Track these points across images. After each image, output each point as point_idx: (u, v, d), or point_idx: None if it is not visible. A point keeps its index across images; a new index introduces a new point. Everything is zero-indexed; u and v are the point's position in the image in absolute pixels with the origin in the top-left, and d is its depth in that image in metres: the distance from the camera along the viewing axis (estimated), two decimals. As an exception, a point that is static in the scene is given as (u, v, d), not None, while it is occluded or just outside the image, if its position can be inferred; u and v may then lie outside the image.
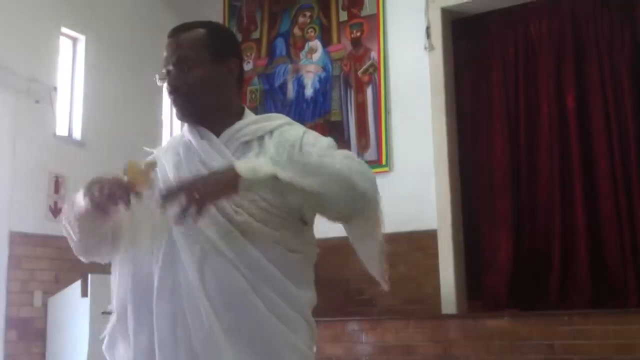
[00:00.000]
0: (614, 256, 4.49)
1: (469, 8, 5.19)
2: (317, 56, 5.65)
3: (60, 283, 4.84)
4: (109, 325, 1.74)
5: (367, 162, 5.29)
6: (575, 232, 4.64)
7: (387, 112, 5.25)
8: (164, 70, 1.71)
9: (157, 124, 5.98)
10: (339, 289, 4.89)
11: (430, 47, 5.14)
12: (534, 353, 3.85)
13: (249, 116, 1.74)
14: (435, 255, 4.85)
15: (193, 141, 1.68)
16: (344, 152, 1.64)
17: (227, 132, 1.68)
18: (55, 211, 5.00)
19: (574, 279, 4.59)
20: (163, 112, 5.97)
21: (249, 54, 5.92)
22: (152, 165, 1.65)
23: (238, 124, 1.69)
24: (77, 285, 4.65)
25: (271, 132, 1.68)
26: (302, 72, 5.69)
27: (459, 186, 5.08)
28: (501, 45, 5.12)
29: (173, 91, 1.68)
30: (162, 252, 1.61)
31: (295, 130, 1.69)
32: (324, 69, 5.60)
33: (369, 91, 5.36)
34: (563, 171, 4.75)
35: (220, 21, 6.08)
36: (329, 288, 4.95)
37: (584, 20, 4.85)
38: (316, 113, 5.55)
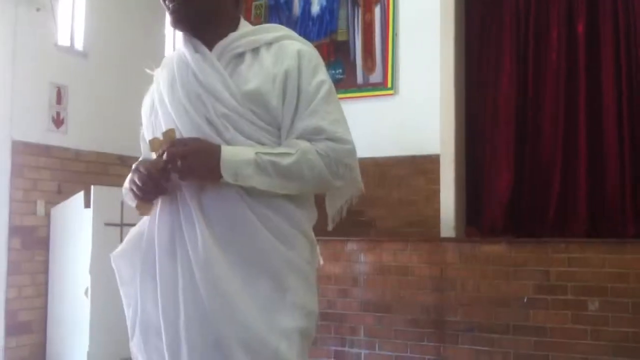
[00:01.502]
0: (613, 187, 4.51)
1: None
2: (324, -28, 5.48)
3: (62, 193, 4.88)
4: (122, 245, 1.76)
5: (372, 84, 5.26)
6: (577, 163, 4.64)
7: (395, 34, 5.14)
8: None
9: (159, 37, 5.87)
10: (339, 210, 4.92)
11: (440, -32, 4.98)
12: (528, 279, 3.93)
13: (245, 27, 1.70)
14: (436, 180, 4.86)
15: (187, 55, 1.64)
16: (339, 117, 1.64)
17: (220, 45, 1.64)
18: (58, 122, 4.99)
19: (572, 208, 4.62)
20: (166, 26, 5.85)
21: (255, -33, 5.75)
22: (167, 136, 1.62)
23: (231, 36, 1.65)
24: (79, 195, 4.69)
25: (269, 44, 1.65)
26: (309, -13, 5.54)
27: (463, 112, 5.04)
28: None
29: None
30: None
31: (296, 45, 1.65)
32: (332, -15, 5.44)
33: (377, 11, 5.23)
34: (568, 101, 4.70)
35: None
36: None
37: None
38: (322, 31, 5.43)
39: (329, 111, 1.61)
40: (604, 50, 4.63)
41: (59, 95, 5.00)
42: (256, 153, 1.53)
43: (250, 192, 1.55)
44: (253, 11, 5.73)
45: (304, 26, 5.50)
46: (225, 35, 1.65)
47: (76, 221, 4.68)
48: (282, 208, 1.59)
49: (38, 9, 4.82)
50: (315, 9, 5.49)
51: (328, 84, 1.64)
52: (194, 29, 1.65)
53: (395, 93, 5.10)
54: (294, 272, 1.60)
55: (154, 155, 1.61)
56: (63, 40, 5.13)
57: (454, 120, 4.88)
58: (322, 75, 1.65)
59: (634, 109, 4.51)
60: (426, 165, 4.91)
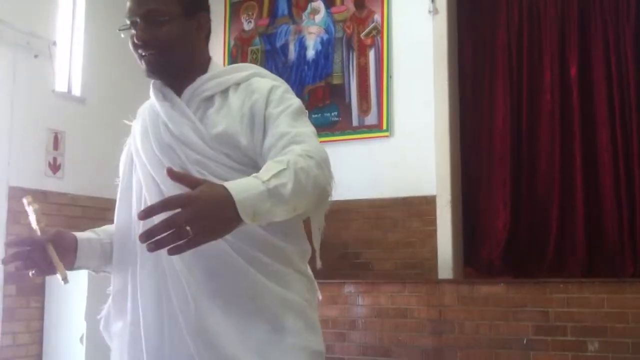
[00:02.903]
0: (611, 227, 4.51)
1: (476, -28, 5.12)
2: (319, 17, 5.58)
3: (58, 239, 4.86)
4: (105, 306, 1.71)
5: (367, 126, 5.30)
6: (574, 202, 4.65)
7: (389, 76, 5.21)
8: (127, 22, 1.62)
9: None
10: (336, 252, 4.92)
11: (434, 11, 5.07)
12: (528, 320, 3.90)
13: (214, 68, 1.66)
14: (432, 222, 4.86)
15: (156, 104, 1.62)
16: (308, 131, 1.53)
17: (189, 89, 1.60)
18: (54, 167, 5.00)
19: (570, 247, 4.62)
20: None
21: (250, 13, 5.85)
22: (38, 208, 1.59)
23: (199, 80, 1.61)
24: (75, 241, 4.67)
25: (237, 84, 1.61)
26: (304, 33, 5.63)
27: (458, 153, 5.07)
28: (506, 12, 5.06)
29: (142, 46, 1.59)
30: (142, 226, 1.49)
31: (264, 82, 1.60)
32: (327, 30, 5.53)
33: (372, 54, 5.31)
34: (563, 141, 4.74)
35: (221, -21, 5.99)
36: (326, 251, 4.97)
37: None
38: (317, 75, 5.50)
39: (295, 125, 1.52)
40: (597, 92, 4.69)
41: (56, 141, 5.03)
42: (261, 181, 1.33)
43: (235, 234, 1.37)
44: (249, 56, 5.81)
45: (300, 70, 5.57)
46: (194, 78, 1.62)
47: (72, 266, 4.65)
48: (270, 246, 1.51)
49: (36, 56, 4.89)
50: (310, 53, 5.57)
51: (297, 104, 1.57)
52: (168, 78, 1.63)
53: (391, 135, 5.14)
54: (292, 311, 1.52)
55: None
56: (60, 86, 5.19)
57: (449, 160, 4.91)
58: (291, 99, 1.58)
59: (628, 149, 4.55)
60: (422, 207, 4.92)
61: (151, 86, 1.67)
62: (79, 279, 4.53)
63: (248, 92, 1.58)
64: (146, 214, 1.22)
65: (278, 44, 5.73)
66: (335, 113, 5.35)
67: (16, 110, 4.75)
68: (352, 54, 5.39)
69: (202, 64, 1.66)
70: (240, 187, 1.31)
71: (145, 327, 1.53)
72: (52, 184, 4.96)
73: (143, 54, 1.60)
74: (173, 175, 1.28)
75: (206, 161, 1.52)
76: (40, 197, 4.85)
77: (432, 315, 4.16)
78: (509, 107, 4.95)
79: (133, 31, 1.62)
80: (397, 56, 5.23)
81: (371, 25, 5.34)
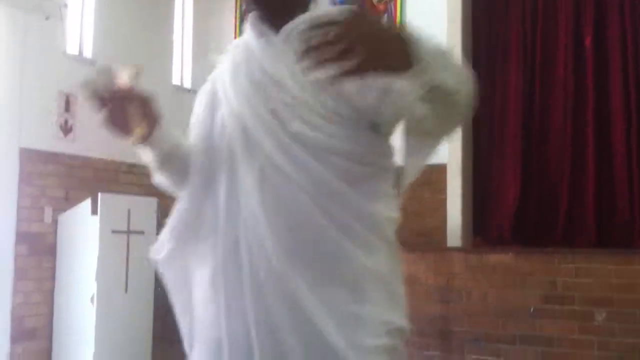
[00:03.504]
0: (621, 197, 4.50)
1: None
2: (333, -19, 5.50)
3: (70, 200, 4.89)
4: (169, 244, 1.54)
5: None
6: (585, 173, 4.63)
7: (402, 43, 5.14)
8: None
9: (168, 44, 5.90)
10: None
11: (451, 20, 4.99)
12: (535, 288, 3.91)
13: (317, 7, 1.50)
14: (442, 190, 4.86)
15: (252, 40, 1.49)
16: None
17: (287, 27, 1.45)
18: (66, 129, 5.01)
19: (580, 219, 4.61)
20: (174, 32, 5.89)
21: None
22: (135, 68, 1.42)
23: (299, 18, 1.45)
24: (87, 203, 4.71)
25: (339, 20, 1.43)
26: (317, -3, 5.55)
27: (470, 121, 5.03)
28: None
29: None
30: (225, 173, 1.44)
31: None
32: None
33: (384, 20, 5.24)
34: (576, 111, 4.70)
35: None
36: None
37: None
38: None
39: None
40: (612, 63, 4.63)
41: (68, 103, 5.03)
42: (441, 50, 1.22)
43: (319, 189, 1.35)
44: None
45: (312, 35, 5.52)
46: (294, 17, 1.45)
47: (83, 228, 4.69)
48: (357, 209, 1.39)
49: (47, 18, 4.86)
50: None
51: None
52: (273, 6, 1.48)
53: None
54: (375, 281, 1.41)
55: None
56: (72, 49, 5.16)
57: (461, 130, 4.88)
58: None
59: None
60: (432, 176, 4.90)
61: (249, 19, 1.52)
62: (90, 241, 4.58)
63: None
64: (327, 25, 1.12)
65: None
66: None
67: (27, 73, 4.74)
68: (365, 19, 5.32)
69: (304, 1, 1.50)
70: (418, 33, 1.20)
71: (226, 276, 1.42)
72: (63, 146, 4.97)
73: None
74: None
75: (299, 106, 1.39)
76: (52, 158, 4.87)
77: (441, 283, 4.18)
78: (522, 76, 4.90)
79: None
80: (410, 23, 5.15)
81: (385, -8, 5.27)
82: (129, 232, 4.64)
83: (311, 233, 1.37)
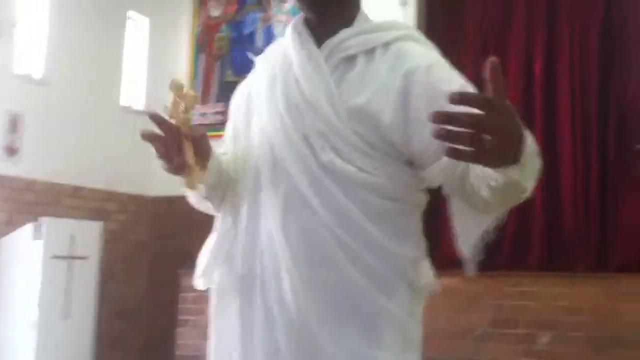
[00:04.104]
0: (567, 221, 4.58)
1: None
2: (289, 5, 5.53)
3: (12, 224, 4.76)
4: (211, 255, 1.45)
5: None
6: (533, 196, 4.71)
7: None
8: None
9: (118, 65, 5.82)
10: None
11: (404, 2, 5.09)
12: (483, 312, 3.95)
13: (363, 23, 1.42)
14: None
15: (292, 51, 1.40)
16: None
17: (329, 43, 1.37)
18: (11, 150, 4.89)
19: (526, 242, 4.68)
20: (124, 56, 5.83)
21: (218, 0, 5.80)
22: (195, 100, 1.34)
23: (344, 33, 1.38)
24: (29, 227, 4.59)
25: (386, 44, 1.37)
26: (273, 21, 5.59)
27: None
28: (473, 8, 5.10)
29: None
30: (248, 192, 1.38)
31: (420, 48, 1.38)
32: (295, 19, 5.50)
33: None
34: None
35: (190, -34, 5.91)
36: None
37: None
38: (284, 64, 5.47)
39: None
40: (560, 90, 4.74)
41: (14, 124, 4.91)
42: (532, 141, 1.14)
43: (343, 226, 1.29)
44: (215, 44, 5.75)
45: (266, 59, 5.53)
46: (338, 30, 1.39)
47: (25, 253, 4.57)
48: (379, 248, 1.32)
49: (-4, 37, 4.77)
50: (278, 42, 5.53)
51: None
52: (324, 16, 1.40)
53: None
54: (391, 325, 1.33)
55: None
56: (21, 69, 5.07)
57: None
58: (459, 81, 1.35)
59: (587, 145, 4.62)
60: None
61: (291, 25, 1.44)
62: (32, 266, 4.46)
63: (399, 56, 1.35)
64: (460, 97, 1.00)
65: (245, 32, 5.68)
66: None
67: (-27, 91, 4.63)
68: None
69: (352, 13, 1.43)
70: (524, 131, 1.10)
71: (242, 302, 1.37)
72: (7, 168, 4.85)
73: None
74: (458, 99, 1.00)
75: (332, 135, 1.31)
76: (-5, 180, 4.75)
77: (390, 307, 4.19)
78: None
79: None
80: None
81: (340, 16, 5.33)
82: (71, 257, 4.54)
83: (330, 270, 1.31)
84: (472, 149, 1.01)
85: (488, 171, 1.14)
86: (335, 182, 1.31)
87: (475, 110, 1.01)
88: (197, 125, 1.37)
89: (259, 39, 5.59)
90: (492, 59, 1.01)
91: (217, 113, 5.53)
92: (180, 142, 1.30)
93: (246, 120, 1.45)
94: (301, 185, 1.32)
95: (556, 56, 4.78)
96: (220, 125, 5.70)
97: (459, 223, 1.42)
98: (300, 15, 1.45)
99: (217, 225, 1.46)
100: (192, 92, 1.34)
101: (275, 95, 1.39)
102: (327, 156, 1.31)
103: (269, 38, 5.53)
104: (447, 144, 1.01)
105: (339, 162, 1.31)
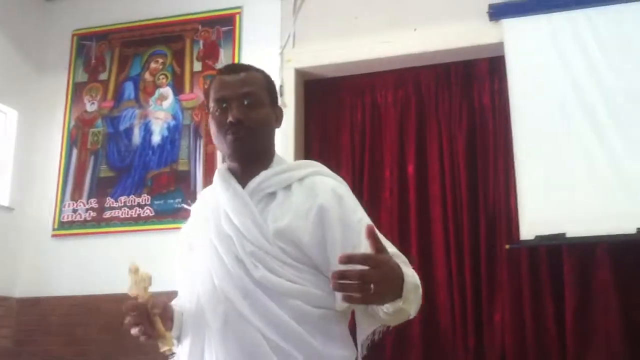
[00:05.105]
0: (444, 319, 4.66)
1: (322, 71, 5.33)
2: (167, 103, 5.50)
3: None
4: None
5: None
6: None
7: (236, 166, 5.18)
8: (215, 107, 1.67)
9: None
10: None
11: (282, 105, 5.18)
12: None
13: (278, 164, 1.73)
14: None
15: (221, 193, 1.67)
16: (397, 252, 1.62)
17: (252, 183, 1.66)
18: None
19: (407, 340, 4.69)
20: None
21: (94, 94, 5.66)
22: (149, 279, 1.59)
23: (263, 174, 1.67)
24: None
25: (301, 179, 1.68)
26: (151, 118, 5.51)
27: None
28: (350, 110, 5.29)
29: (236, 124, 1.64)
30: (192, 312, 1.60)
31: (328, 181, 1.69)
32: (174, 117, 5.46)
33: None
34: (401, 234, 4.91)
35: (67, 59, 5.80)
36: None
37: (427, 92, 5.14)
38: (162, 161, 5.36)
39: (389, 245, 1.59)
40: (431, 189, 4.94)
41: None
42: (414, 275, 1.54)
43: (276, 331, 1.50)
44: (90, 138, 5.56)
45: (144, 155, 5.40)
46: (259, 170, 1.68)
47: None
48: (312, 347, 1.53)
49: None
50: (156, 138, 5.44)
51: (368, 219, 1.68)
52: (248, 162, 1.68)
53: (235, 224, 5.05)
54: None
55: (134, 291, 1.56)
56: None
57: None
58: (361, 211, 1.69)
59: (459, 243, 4.78)
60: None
61: (217, 173, 1.73)
62: None
63: (313, 188, 1.66)
64: (347, 258, 1.31)
65: (122, 127, 5.55)
66: (180, 200, 5.20)
67: None
68: (200, 142, 5.33)
69: (270, 156, 1.74)
70: (406, 270, 1.47)
71: None
72: None
73: (238, 131, 1.65)
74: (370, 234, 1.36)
75: (261, 254, 1.55)
76: None
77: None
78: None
79: (219, 112, 1.66)
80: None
81: (219, 115, 5.34)
82: None
83: None
84: (359, 295, 1.30)
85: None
86: (267, 294, 1.52)
87: (360, 267, 1.30)
88: (150, 292, 1.60)
89: (136, 135, 5.48)
90: (368, 226, 1.37)
91: (89, 209, 5.28)
92: (150, 318, 1.53)
93: (188, 260, 1.70)
94: (236, 301, 1.53)
95: (426, 159, 4.99)
96: (91, 222, 5.47)
97: (358, 323, 1.67)
98: (224, 164, 1.76)
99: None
100: (147, 273, 1.58)
101: (209, 228, 1.64)
102: (259, 272, 1.54)
103: (147, 134, 5.43)
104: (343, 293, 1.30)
105: (270, 277, 1.54)
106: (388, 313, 1.47)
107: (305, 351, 1.52)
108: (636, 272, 4.37)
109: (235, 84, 1.68)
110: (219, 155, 5.24)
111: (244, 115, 1.65)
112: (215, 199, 1.69)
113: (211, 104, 1.71)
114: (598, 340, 4.31)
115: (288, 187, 1.66)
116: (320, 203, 1.61)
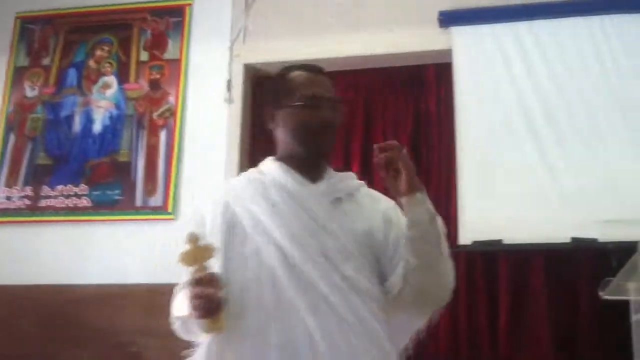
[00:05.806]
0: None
1: (272, 68, 5.28)
2: (111, 92, 5.38)
3: None
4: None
5: (152, 208, 5.09)
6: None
7: (179, 160, 5.11)
8: (304, 102, 1.72)
9: None
10: (109, 341, 4.55)
11: (230, 100, 5.14)
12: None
13: (332, 172, 1.87)
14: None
15: (290, 186, 1.73)
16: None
17: (323, 185, 1.78)
18: None
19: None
20: None
21: (35, 80, 5.49)
22: (212, 251, 1.57)
23: (334, 179, 1.82)
24: None
25: (357, 188, 1.85)
26: (93, 106, 5.38)
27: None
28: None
29: (330, 125, 1.76)
30: (268, 304, 1.62)
31: (379, 195, 1.87)
32: (117, 106, 5.34)
33: (163, 135, 5.19)
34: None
35: (8, 42, 5.62)
36: (97, 339, 4.59)
37: (374, 95, 5.19)
38: (103, 151, 5.24)
39: None
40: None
41: None
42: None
43: (362, 326, 1.60)
44: (29, 124, 5.39)
45: (84, 144, 5.27)
46: (321, 175, 1.80)
47: None
48: (384, 348, 1.65)
49: None
50: (97, 127, 5.31)
51: None
52: (318, 163, 1.81)
53: (176, 218, 4.99)
54: None
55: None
56: None
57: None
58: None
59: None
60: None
61: (277, 167, 1.80)
62: None
63: (371, 197, 1.85)
64: (384, 146, 1.60)
65: (62, 115, 5.40)
66: (118, 191, 5.09)
67: None
68: (142, 133, 5.23)
69: (327, 163, 1.90)
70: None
71: None
72: None
73: (325, 134, 1.77)
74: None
75: (347, 253, 1.66)
76: None
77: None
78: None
79: (309, 109, 1.72)
80: (190, 140, 5.16)
81: (165, 107, 5.25)
82: None
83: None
84: (398, 155, 1.59)
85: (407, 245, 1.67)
86: (354, 292, 1.62)
87: None
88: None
89: (77, 123, 5.34)
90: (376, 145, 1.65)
91: (24, 197, 5.11)
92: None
93: (238, 249, 1.70)
94: (330, 296, 1.59)
95: (371, 165, 5.01)
96: (26, 211, 5.31)
97: (394, 326, 1.76)
98: (274, 161, 1.86)
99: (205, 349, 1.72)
100: (210, 244, 1.58)
101: (286, 221, 1.67)
102: (349, 270, 1.64)
103: (88, 122, 5.30)
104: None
105: (357, 275, 1.64)
106: (415, 236, 1.61)
107: (380, 350, 1.63)
108: (568, 280, 4.51)
109: (326, 85, 1.78)
110: (162, 149, 5.15)
111: (335, 118, 1.78)
112: (282, 191, 1.73)
113: (294, 97, 1.74)
114: (529, 345, 4.43)
115: (350, 195, 1.80)
116: (383, 209, 1.80)
